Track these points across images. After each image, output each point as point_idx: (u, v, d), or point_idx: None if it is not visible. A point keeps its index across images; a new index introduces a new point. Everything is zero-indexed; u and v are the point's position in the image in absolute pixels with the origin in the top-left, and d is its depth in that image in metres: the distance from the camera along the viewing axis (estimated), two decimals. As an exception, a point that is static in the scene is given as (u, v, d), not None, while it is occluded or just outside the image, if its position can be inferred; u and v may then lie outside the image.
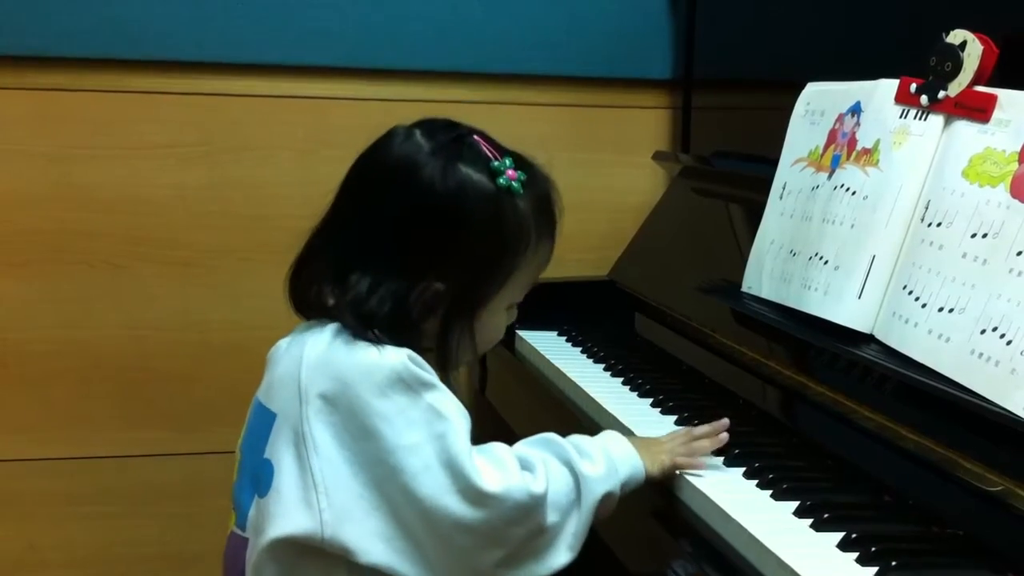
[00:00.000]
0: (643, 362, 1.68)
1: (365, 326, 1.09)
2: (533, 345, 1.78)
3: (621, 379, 1.60)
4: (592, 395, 1.51)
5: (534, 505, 1.08)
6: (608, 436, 1.22)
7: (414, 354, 1.09)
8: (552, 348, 1.78)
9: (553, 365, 1.68)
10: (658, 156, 2.10)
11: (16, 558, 2.02)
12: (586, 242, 2.13)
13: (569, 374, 1.62)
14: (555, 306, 1.88)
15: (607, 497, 1.15)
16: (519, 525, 1.08)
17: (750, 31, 1.90)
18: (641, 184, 2.15)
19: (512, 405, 1.80)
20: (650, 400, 1.49)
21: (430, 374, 1.09)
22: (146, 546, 2.06)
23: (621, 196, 2.16)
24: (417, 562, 1.07)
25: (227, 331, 2.04)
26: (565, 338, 1.84)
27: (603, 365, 1.68)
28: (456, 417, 1.08)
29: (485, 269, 1.13)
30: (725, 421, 1.25)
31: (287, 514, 1.08)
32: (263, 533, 1.11)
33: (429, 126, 1.16)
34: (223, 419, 2.05)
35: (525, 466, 1.10)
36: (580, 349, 1.78)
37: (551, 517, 1.10)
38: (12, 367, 1.98)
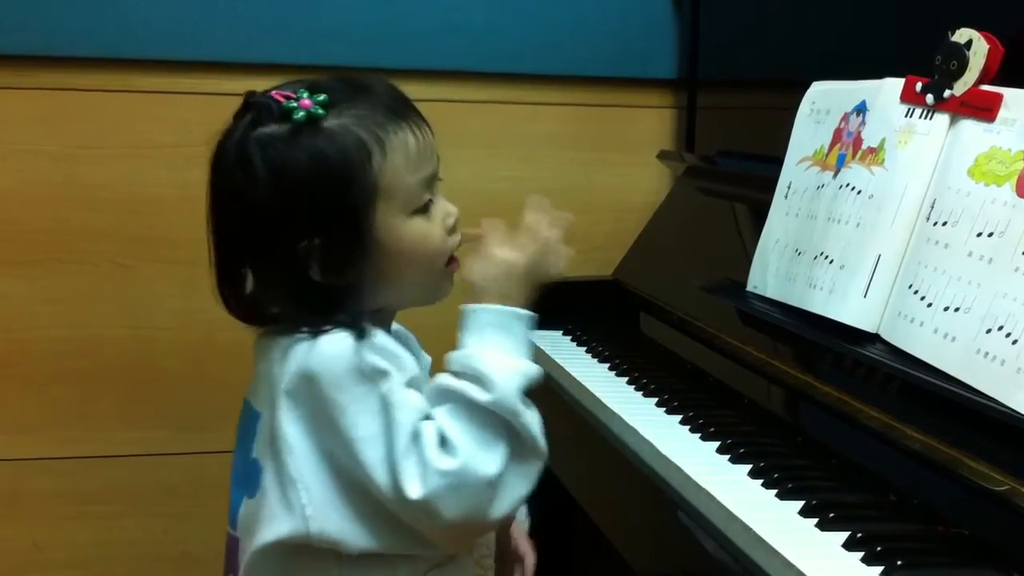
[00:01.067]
0: (648, 361, 1.67)
1: (301, 320, 1.08)
2: (538, 344, 1.77)
3: (626, 378, 1.60)
4: (597, 394, 1.51)
5: (464, 477, 1.03)
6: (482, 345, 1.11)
7: (372, 336, 1.06)
8: (557, 347, 1.78)
9: (558, 364, 1.68)
10: (663, 155, 2.10)
11: (20, 557, 2.02)
12: (591, 241, 2.13)
13: (573, 373, 1.62)
14: (559, 305, 1.87)
15: (524, 385, 1.08)
16: (469, 495, 1.04)
17: (754, 30, 1.90)
18: (646, 183, 2.15)
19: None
20: (655, 399, 1.49)
21: (385, 359, 1.06)
22: (150, 545, 2.07)
23: (626, 195, 2.16)
24: (403, 542, 1.07)
25: (231, 331, 2.01)
26: (570, 337, 1.84)
27: (608, 364, 1.67)
28: (403, 409, 1.04)
29: (337, 202, 1.06)
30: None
31: (272, 516, 1.08)
32: (253, 536, 1.11)
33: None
34: (227, 418, 2.04)
35: (442, 445, 1.04)
36: (585, 348, 1.78)
37: (491, 466, 1.05)
38: (17, 366, 1.98)
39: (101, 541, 2.04)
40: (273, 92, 1.10)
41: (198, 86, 1.97)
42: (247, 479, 1.14)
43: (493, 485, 1.05)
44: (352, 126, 1.08)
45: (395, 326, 1.22)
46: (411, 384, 1.08)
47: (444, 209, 1.15)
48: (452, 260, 1.16)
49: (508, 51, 2.06)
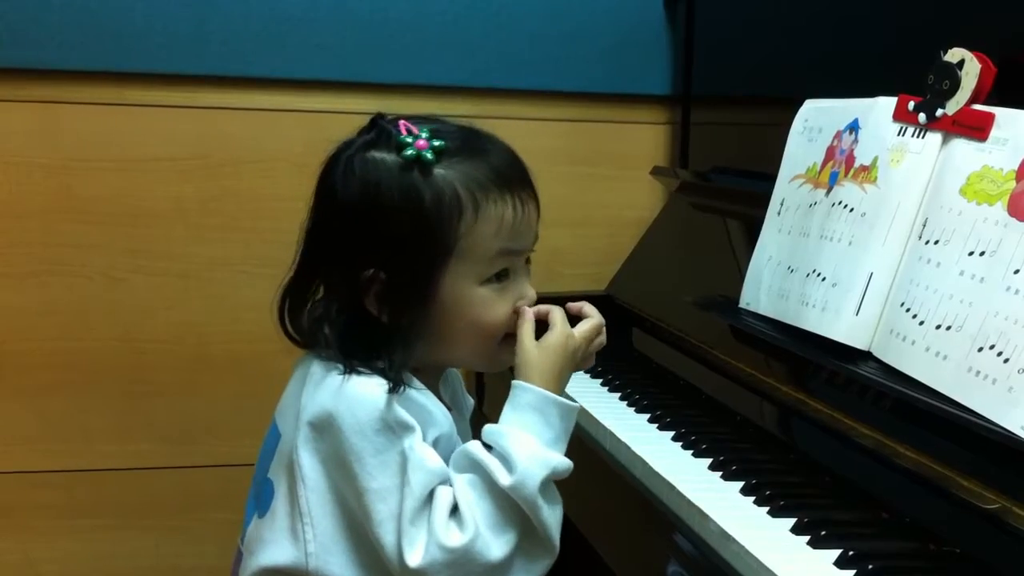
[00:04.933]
0: (641, 378, 1.68)
1: (344, 354, 1.07)
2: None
3: (618, 394, 1.60)
4: (589, 411, 1.51)
5: (466, 556, 1.02)
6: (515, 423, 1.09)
7: (406, 389, 1.06)
8: (549, 363, 1.78)
9: (550, 380, 1.68)
10: (656, 171, 2.10)
11: (12, 571, 2.02)
12: (584, 257, 2.14)
13: (566, 389, 1.62)
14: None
15: (549, 477, 1.06)
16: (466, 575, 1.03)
17: (748, 47, 1.91)
18: (639, 199, 2.15)
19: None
20: (647, 416, 1.49)
21: (415, 414, 1.05)
22: (142, 559, 2.06)
23: (619, 211, 2.16)
24: None
25: (225, 344, 2.04)
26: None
27: (600, 380, 1.68)
28: (420, 469, 1.03)
29: (414, 244, 1.06)
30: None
31: (276, 541, 1.08)
32: (254, 556, 1.11)
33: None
34: (221, 432, 2.06)
35: (453, 515, 1.04)
36: (577, 364, 1.78)
37: (496, 551, 1.03)
38: (9, 378, 1.98)
39: (93, 555, 2.04)
40: (401, 121, 1.10)
41: (192, 100, 1.97)
42: (259, 497, 1.14)
43: (494, 571, 1.03)
44: (455, 180, 1.08)
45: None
46: (439, 442, 1.07)
47: (521, 290, 1.13)
48: (510, 336, 1.13)
49: (502, 67, 2.07)
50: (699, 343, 1.61)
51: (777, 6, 1.83)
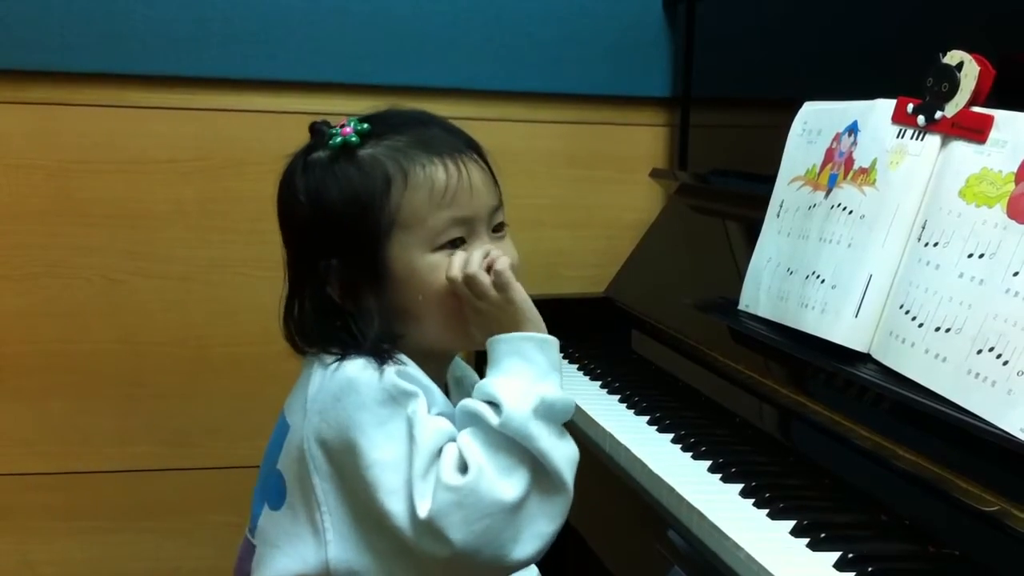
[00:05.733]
0: (640, 380, 1.68)
1: (328, 344, 1.10)
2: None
3: (618, 396, 1.60)
4: (588, 412, 1.51)
5: (473, 496, 1.01)
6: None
7: (400, 363, 1.08)
8: (549, 365, 1.78)
9: (550, 382, 1.68)
10: (655, 173, 2.10)
11: (11, 574, 2.01)
12: (583, 259, 2.14)
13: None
14: (551, 322, 1.87)
15: (539, 407, 1.05)
16: (478, 516, 1.02)
17: (748, 50, 1.91)
18: (638, 201, 2.15)
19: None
20: (647, 418, 1.49)
21: (413, 384, 1.06)
22: (142, 561, 2.06)
23: (618, 213, 2.16)
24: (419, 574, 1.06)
25: (224, 346, 2.04)
26: (561, 355, 1.83)
27: (600, 382, 1.68)
28: (426, 429, 1.04)
29: (354, 224, 1.09)
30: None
31: (298, 536, 1.09)
32: (275, 548, 1.11)
33: None
34: (220, 434, 2.06)
35: (460, 464, 1.04)
36: (577, 366, 1.78)
37: (508, 492, 1.02)
38: (9, 380, 1.98)
39: (92, 557, 2.04)
40: (333, 122, 1.16)
41: (192, 102, 1.97)
42: (268, 489, 1.14)
43: (511, 513, 1.02)
44: (381, 156, 1.11)
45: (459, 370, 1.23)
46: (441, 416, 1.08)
47: (483, 252, 1.11)
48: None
49: (502, 69, 2.07)
50: (698, 345, 1.61)
51: (776, 8, 1.83)
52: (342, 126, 1.13)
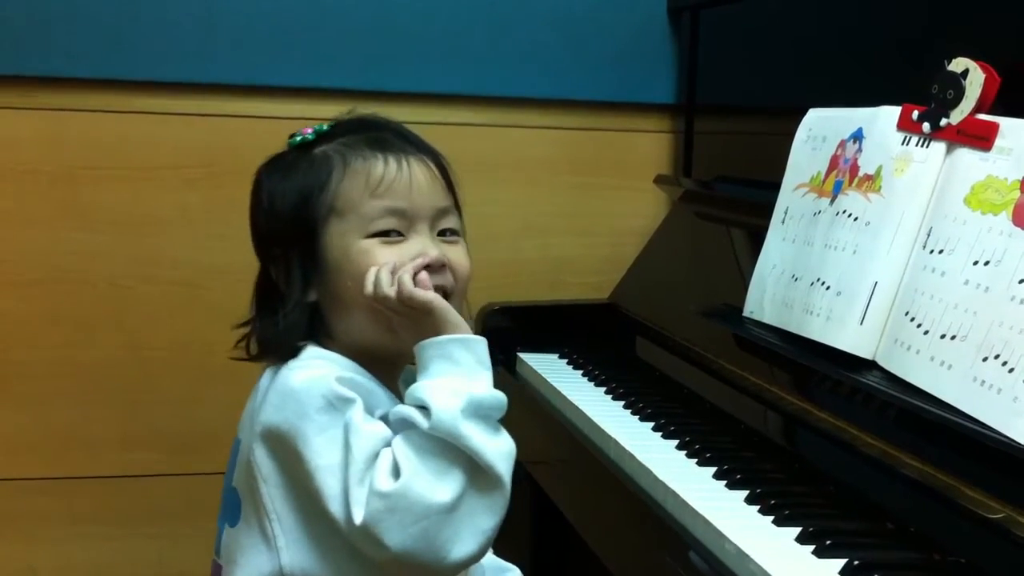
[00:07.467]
0: (644, 386, 1.68)
1: (275, 340, 1.16)
2: (534, 367, 1.78)
3: (622, 403, 1.60)
4: (593, 418, 1.51)
5: (403, 500, 1.02)
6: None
7: (340, 368, 1.10)
8: (553, 371, 1.78)
9: (554, 388, 1.68)
10: (660, 180, 2.10)
11: (15, 578, 2.02)
12: (588, 265, 2.14)
13: (570, 397, 1.62)
14: (556, 329, 1.88)
15: (468, 407, 1.05)
16: (412, 520, 1.02)
17: (752, 57, 1.91)
18: (643, 208, 2.15)
19: (512, 426, 1.79)
20: (651, 424, 1.49)
21: (354, 390, 1.07)
22: (146, 567, 2.06)
23: (623, 220, 2.16)
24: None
25: (228, 353, 2.03)
26: (566, 361, 1.84)
27: (604, 388, 1.68)
28: (362, 436, 1.04)
29: (300, 208, 1.14)
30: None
31: (251, 547, 1.10)
32: (234, 564, 1.12)
33: None
34: (224, 440, 2.03)
35: (393, 469, 1.04)
36: (581, 372, 1.78)
37: (441, 494, 1.02)
38: (14, 386, 1.98)
39: (96, 563, 2.04)
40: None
41: (198, 108, 1.98)
42: (226, 508, 1.16)
43: (446, 514, 1.03)
44: (331, 151, 1.16)
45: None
46: (385, 421, 1.09)
47: (420, 248, 1.13)
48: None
49: (507, 75, 2.07)
50: (703, 352, 1.61)
51: (781, 15, 1.83)
52: (299, 131, 1.19)
